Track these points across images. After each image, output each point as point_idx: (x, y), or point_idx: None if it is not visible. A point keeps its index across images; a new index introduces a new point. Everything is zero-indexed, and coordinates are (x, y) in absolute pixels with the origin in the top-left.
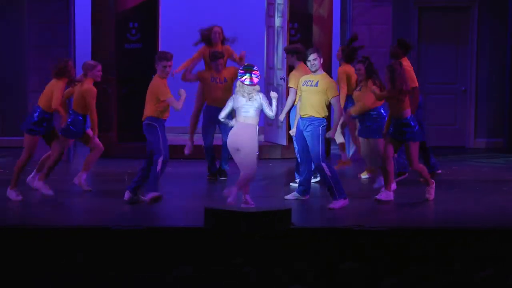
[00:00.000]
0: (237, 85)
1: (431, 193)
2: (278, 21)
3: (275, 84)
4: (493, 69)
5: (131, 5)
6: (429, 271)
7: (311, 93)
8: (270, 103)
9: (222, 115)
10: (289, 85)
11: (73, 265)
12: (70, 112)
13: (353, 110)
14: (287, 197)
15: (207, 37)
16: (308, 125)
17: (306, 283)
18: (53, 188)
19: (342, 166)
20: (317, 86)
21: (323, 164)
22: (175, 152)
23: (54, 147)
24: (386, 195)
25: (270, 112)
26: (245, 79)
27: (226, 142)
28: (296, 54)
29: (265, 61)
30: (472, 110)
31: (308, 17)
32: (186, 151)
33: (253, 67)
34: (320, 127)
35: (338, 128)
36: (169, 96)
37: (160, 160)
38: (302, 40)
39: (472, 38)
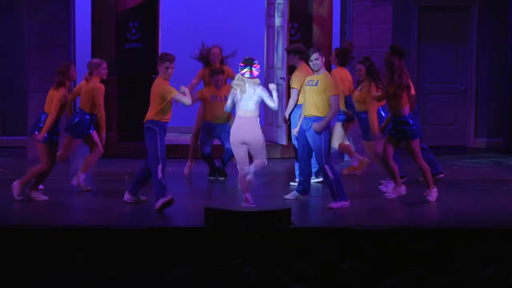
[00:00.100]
0: (237, 78)
1: (432, 195)
2: (278, 21)
3: (275, 84)
4: (493, 69)
5: (131, 5)
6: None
7: (313, 93)
8: (270, 95)
9: (228, 106)
10: (292, 86)
11: (73, 265)
12: (78, 111)
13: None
14: (286, 196)
15: (205, 58)
16: (311, 125)
17: (306, 283)
18: (53, 188)
19: (352, 171)
20: (317, 85)
21: (326, 166)
22: (176, 151)
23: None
24: (398, 191)
25: (272, 103)
26: (245, 72)
27: (227, 148)
28: (298, 54)
29: (265, 61)
30: (472, 109)
31: (308, 17)
32: (186, 171)
33: (254, 60)
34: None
35: (341, 131)
36: (176, 93)
37: (159, 168)
38: (302, 40)
39: (472, 37)
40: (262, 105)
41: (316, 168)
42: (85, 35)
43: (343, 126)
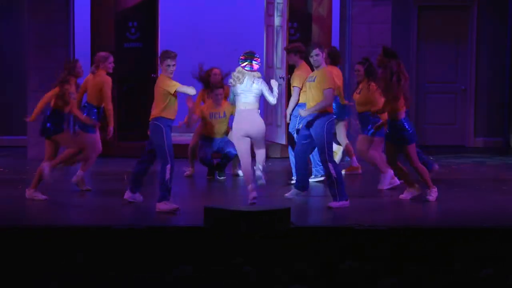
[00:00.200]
0: (237, 70)
1: (432, 195)
2: (277, 20)
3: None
4: (493, 69)
5: (130, 4)
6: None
7: (312, 89)
8: (271, 90)
9: (231, 99)
10: (294, 85)
11: (73, 265)
12: (85, 105)
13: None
14: (287, 195)
15: (205, 79)
16: (314, 121)
17: (306, 282)
18: (52, 188)
19: (352, 171)
20: (315, 81)
21: (329, 164)
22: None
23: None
24: (411, 192)
25: (271, 97)
26: (246, 65)
27: (229, 151)
28: (299, 53)
29: (265, 60)
30: (471, 109)
31: (307, 16)
32: (186, 174)
33: (254, 54)
34: (326, 123)
35: (343, 130)
36: (178, 85)
37: (167, 168)
38: (302, 39)
39: (472, 37)
40: (262, 104)
41: (316, 167)
42: (84, 34)
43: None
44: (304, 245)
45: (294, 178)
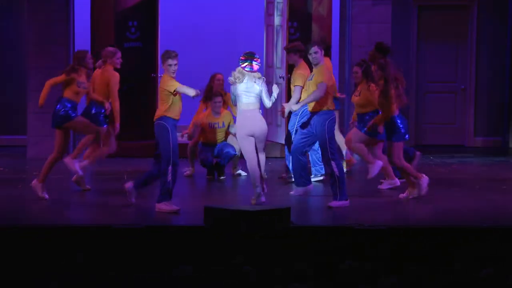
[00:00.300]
0: (237, 70)
1: (422, 188)
2: (277, 20)
3: (274, 83)
4: (493, 68)
5: (130, 4)
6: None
7: (311, 87)
8: (270, 94)
9: (232, 100)
10: (295, 84)
11: (73, 265)
12: (93, 102)
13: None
14: (292, 193)
15: (209, 85)
16: (316, 120)
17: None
18: (52, 187)
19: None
20: (312, 79)
21: (332, 162)
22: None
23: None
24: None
25: (267, 100)
26: (246, 65)
27: (227, 151)
28: (298, 52)
29: (265, 60)
30: (471, 108)
31: (307, 16)
32: (186, 173)
33: (254, 54)
34: (327, 121)
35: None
36: (178, 85)
37: (170, 169)
38: (302, 39)
39: (472, 36)
40: (262, 104)
41: (315, 167)
42: (84, 34)
43: None
44: (304, 244)
45: (291, 175)
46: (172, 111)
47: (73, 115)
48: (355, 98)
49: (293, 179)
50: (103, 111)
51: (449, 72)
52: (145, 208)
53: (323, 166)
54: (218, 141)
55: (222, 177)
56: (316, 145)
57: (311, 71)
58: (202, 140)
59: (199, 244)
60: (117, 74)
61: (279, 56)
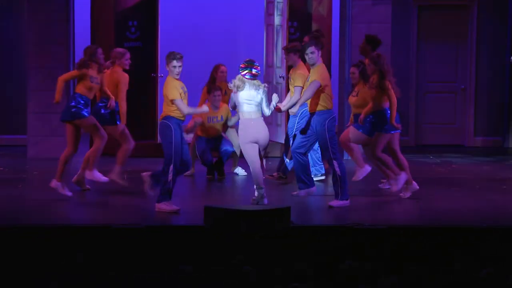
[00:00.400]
0: (237, 78)
1: (399, 184)
2: (277, 20)
3: (274, 83)
4: (493, 68)
5: (130, 4)
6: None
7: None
8: (270, 102)
9: (231, 107)
10: (296, 84)
11: (73, 265)
12: (104, 100)
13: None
14: (294, 194)
15: (212, 76)
16: (316, 120)
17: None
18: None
19: None
20: (309, 80)
21: (334, 162)
22: None
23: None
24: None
25: (267, 110)
26: (246, 73)
27: (225, 149)
28: (298, 53)
29: (264, 60)
30: (471, 108)
31: (307, 16)
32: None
33: (254, 62)
34: (327, 121)
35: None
36: (176, 98)
37: (171, 169)
38: (302, 39)
39: (472, 36)
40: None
41: (315, 166)
42: (84, 34)
43: None
44: (304, 244)
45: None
46: (177, 112)
47: (85, 113)
48: (352, 99)
49: (284, 176)
50: (117, 109)
51: (449, 72)
52: (145, 208)
53: (322, 165)
54: (216, 134)
55: (221, 177)
56: (316, 145)
57: (309, 71)
58: (200, 134)
59: (199, 244)
60: (126, 75)
61: (279, 56)
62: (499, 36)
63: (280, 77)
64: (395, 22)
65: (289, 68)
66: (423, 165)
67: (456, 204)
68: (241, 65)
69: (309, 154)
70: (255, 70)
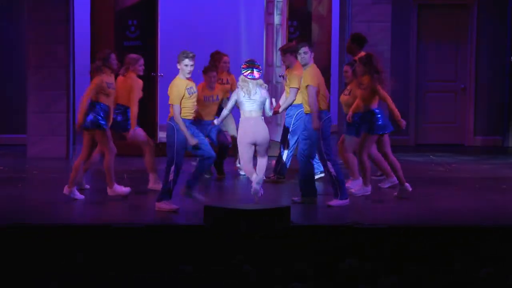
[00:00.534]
0: (240, 79)
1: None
2: (277, 19)
3: (274, 82)
4: (493, 67)
5: (130, 3)
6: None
7: (302, 90)
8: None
9: (228, 107)
10: (292, 85)
11: (73, 264)
12: (120, 108)
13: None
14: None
15: (211, 62)
16: (308, 121)
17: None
18: (52, 187)
19: None
20: (301, 82)
21: (328, 163)
22: None
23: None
24: (364, 190)
25: (269, 111)
26: (248, 73)
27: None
28: (294, 53)
29: (264, 59)
30: (471, 108)
31: (307, 15)
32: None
33: (255, 62)
34: (321, 121)
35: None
36: (174, 103)
37: (172, 169)
38: (301, 38)
39: (472, 36)
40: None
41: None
42: (84, 33)
43: None
44: (304, 244)
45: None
46: (183, 112)
47: (103, 124)
48: (344, 97)
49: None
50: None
51: (449, 71)
52: (145, 207)
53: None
54: (210, 115)
55: (220, 176)
56: None
57: None
58: (194, 117)
59: (199, 244)
60: (140, 81)
61: (279, 55)
62: (499, 35)
63: (280, 76)
64: (395, 21)
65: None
66: (423, 165)
67: (456, 203)
68: (242, 65)
69: None
70: (257, 70)
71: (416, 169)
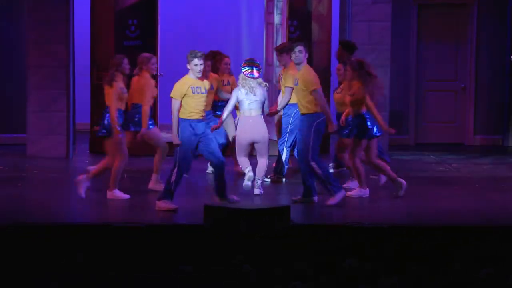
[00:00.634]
0: (240, 77)
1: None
2: (277, 18)
3: (274, 81)
4: (493, 67)
5: (130, 2)
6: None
7: (297, 92)
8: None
9: (229, 106)
10: (287, 85)
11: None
12: (137, 106)
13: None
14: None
15: (214, 66)
16: (304, 121)
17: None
18: (52, 186)
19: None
20: (298, 85)
21: (312, 163)
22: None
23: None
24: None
25: (267, 109)
26: (248, 72)
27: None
28: (291, 52)
29: (264, 58)
30: (471, 107)
31: (307, 14)
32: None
33: (255, 61)
34: (315, 123)
35: None
36: (173, 96)
37: (175, 171)
38: (302, 38)
39: (472, 35)
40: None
41: None
42: (84, 33)
43: None
44: (304, 244)
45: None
46: (184, 112)
47: (119, 129)
48: (336, 95)
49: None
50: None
51: (449, 70)
52: (145, 207)
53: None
54: (208, 107)
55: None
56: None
57: None
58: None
59: (199, 244)
60: (152, 81)
61: None
62: (499, 35)
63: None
64: (395, 20)
65: None
66: (423, 164)
67: (456, 203)
68: (242, 64)
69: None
70: (256, 69)
71: (416, 168)
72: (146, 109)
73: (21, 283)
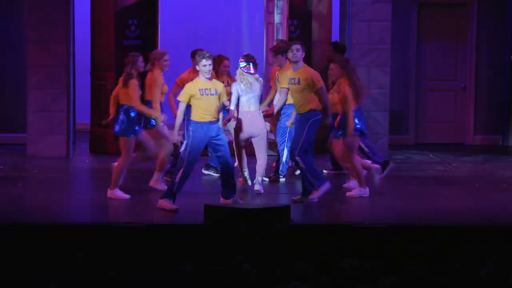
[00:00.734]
0: (238, 73)
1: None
2: (277, 18)
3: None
4: (493, 66)
5: (130, 2)
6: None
7: (295, 92)
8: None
9: (233, 103)
10: (283, 86)
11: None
12: (147, 102)
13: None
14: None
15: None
16: (300, 120)
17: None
18: (52, 186)
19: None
20: (299, 84)
21: (297, 158)
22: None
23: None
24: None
25: (262, 107)
26: (245, 67)
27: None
28: (285, 53)
29: (265, 58)
30: (471, 107)
31: (307, 14)
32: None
33: (252, 56)
34: (311, 120)
35: None
36: (179, 99)
37: (180, 172)
38: (301, 37)
39: (472, 35)
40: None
41: None
42: (84, 33)
43: None
44: (304, 244)
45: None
46: (195, 114)
47: (131, 130)
48: (329, 96)
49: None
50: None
51: (449, 70)
52: (145, 207)
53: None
54: None
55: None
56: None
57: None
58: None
59: (199, 244)
60: (161, 78)
61: None
62: (499, 34)
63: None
64: (395, 20)
65: None
66: (423, 164)
67: (456, 203)
68: (240, 60)
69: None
70: (254, 65)
71: (416, 168)
72: (156, 107)
73: (21, 283)
